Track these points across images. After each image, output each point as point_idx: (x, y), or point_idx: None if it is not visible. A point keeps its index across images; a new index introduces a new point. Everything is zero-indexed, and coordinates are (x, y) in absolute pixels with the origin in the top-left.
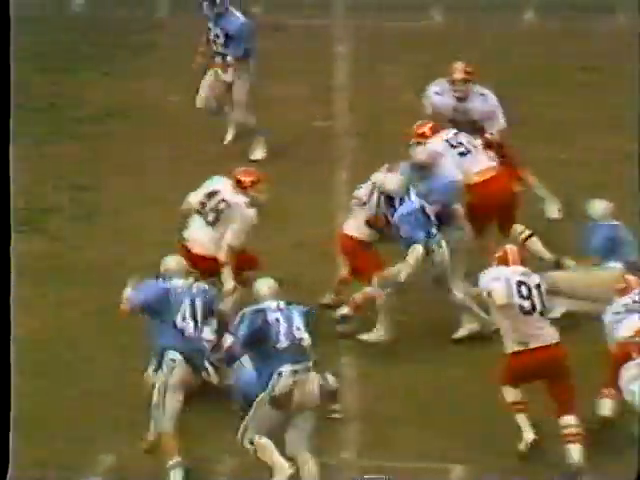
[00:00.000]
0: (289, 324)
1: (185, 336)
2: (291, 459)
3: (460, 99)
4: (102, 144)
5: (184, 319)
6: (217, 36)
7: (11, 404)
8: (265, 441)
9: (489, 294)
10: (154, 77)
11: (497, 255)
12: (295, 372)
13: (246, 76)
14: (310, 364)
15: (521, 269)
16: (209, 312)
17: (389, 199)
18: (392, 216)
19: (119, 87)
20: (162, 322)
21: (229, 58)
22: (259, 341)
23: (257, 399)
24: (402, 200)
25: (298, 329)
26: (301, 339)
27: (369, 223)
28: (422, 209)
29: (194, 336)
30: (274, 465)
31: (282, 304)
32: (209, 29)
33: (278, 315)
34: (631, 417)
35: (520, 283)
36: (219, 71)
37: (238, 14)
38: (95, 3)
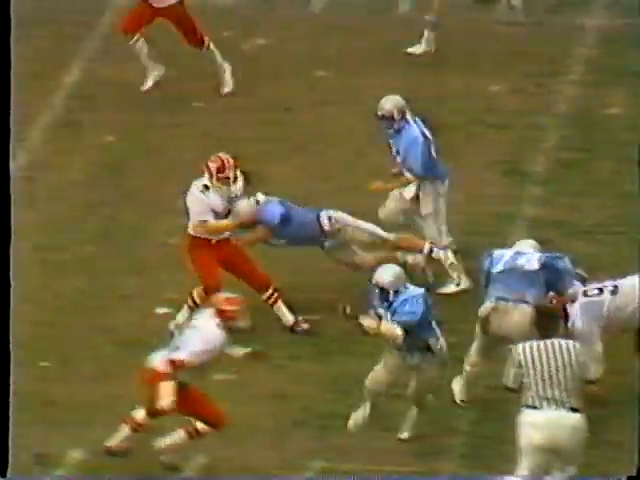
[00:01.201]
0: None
1: None
2: None
3: None
4: None
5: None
6: (398, 152)
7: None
8: None
9: None
10: None
11: None
12: (500, 299)
13: (432, 195)
14: (526, 295)
15: None
16: None
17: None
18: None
19: None
20: None
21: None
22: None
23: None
24: (397, 293)
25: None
26: (522, 266)
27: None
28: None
29: None
30: None
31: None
32: (390, 147)
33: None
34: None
35: None
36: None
37: (415, 128)
38: None
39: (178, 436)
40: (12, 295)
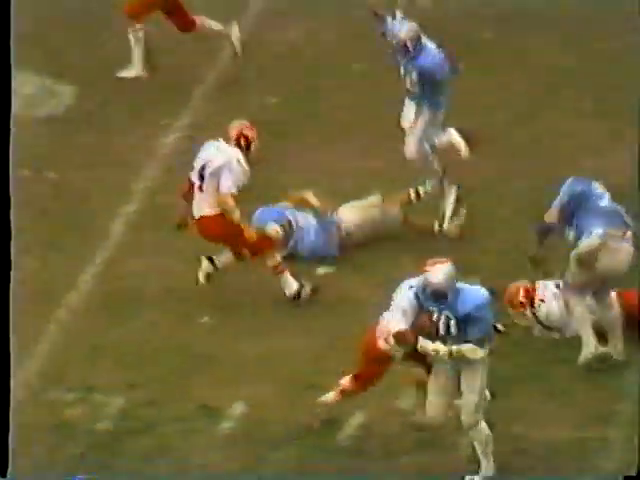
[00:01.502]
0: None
1: None
2: None
3: None
4: None
5: None
6: (415, 75)
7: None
8: None
9: None
10: None
11: None
12: (607, 235)
13: (425, 120)
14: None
15: None
16: None
17: (437, 295)
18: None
19: None
20: None
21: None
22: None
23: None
24: (457, 293)
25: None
26: (623, 215)
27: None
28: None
29: None
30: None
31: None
32: (400, 71)
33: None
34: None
35: None
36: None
37: (434, 47)
38: None
39: (333, 392)
40: (172, 252)
